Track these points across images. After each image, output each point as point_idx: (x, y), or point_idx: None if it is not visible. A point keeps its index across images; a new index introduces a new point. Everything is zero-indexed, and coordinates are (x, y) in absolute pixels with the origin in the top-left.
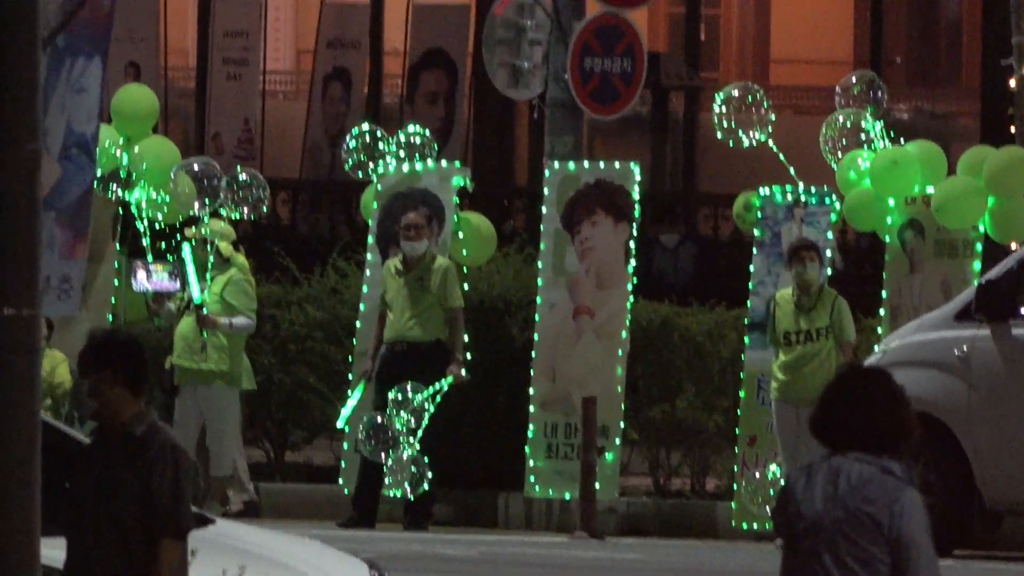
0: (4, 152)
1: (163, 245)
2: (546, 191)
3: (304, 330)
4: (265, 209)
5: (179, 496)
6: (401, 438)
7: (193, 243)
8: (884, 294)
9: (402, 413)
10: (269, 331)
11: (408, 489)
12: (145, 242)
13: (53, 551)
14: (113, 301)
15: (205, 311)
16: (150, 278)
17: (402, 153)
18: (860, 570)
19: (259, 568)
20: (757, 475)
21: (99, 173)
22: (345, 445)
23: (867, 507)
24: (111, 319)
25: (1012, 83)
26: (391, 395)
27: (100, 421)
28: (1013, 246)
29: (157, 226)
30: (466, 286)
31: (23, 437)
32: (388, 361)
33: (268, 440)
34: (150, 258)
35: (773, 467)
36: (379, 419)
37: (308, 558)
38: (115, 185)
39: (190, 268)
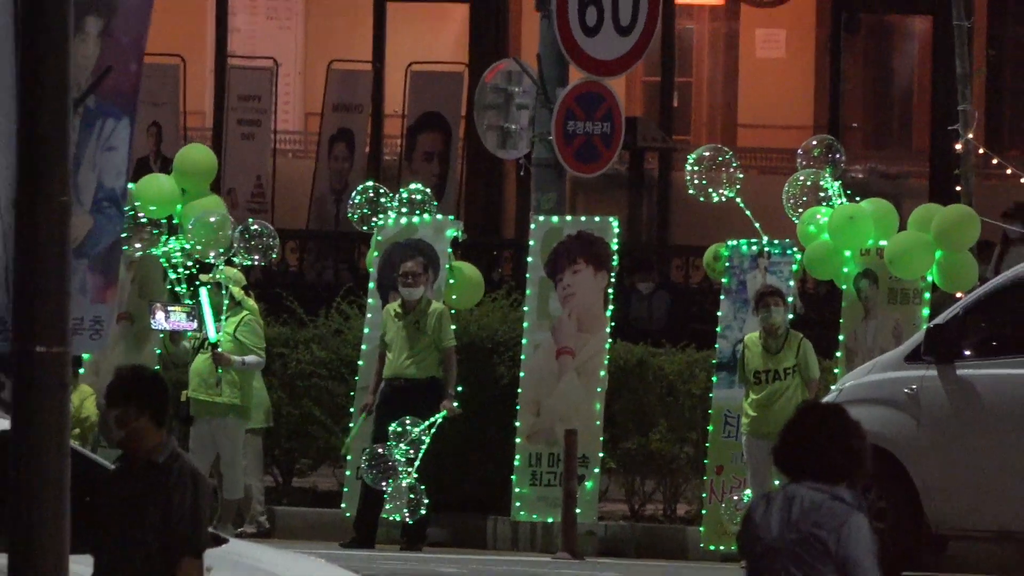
0: (37, 203)
1: (182, 288)
2: (531, 242)
3: (310, 368)
4: (275, 256)
5: (197, 518)
6: (400, 467)
7: (209, 287)
8: (841, 337)
9: (401, 444)
10: (278, 368)
11: (406, 513)
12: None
13: (81, 567)
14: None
15: (220, 349)
16: (168, 318)
17: (404, 208)
18: None
19: None
20: (735, 498)
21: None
22: (347, 472)
23: (816, 531)
24: (159, 352)
25: (958, 147)
26: (391, 428)
27: (125, 449)
28: (958, 295)
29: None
30: (457, 327)
31: (54, 463)
32: (387, 396)
33: (277, 467)
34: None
35: (747, 492)
36: (380, 450)
37: (311, 574)
38: (158, 231)
39: (207, 310)
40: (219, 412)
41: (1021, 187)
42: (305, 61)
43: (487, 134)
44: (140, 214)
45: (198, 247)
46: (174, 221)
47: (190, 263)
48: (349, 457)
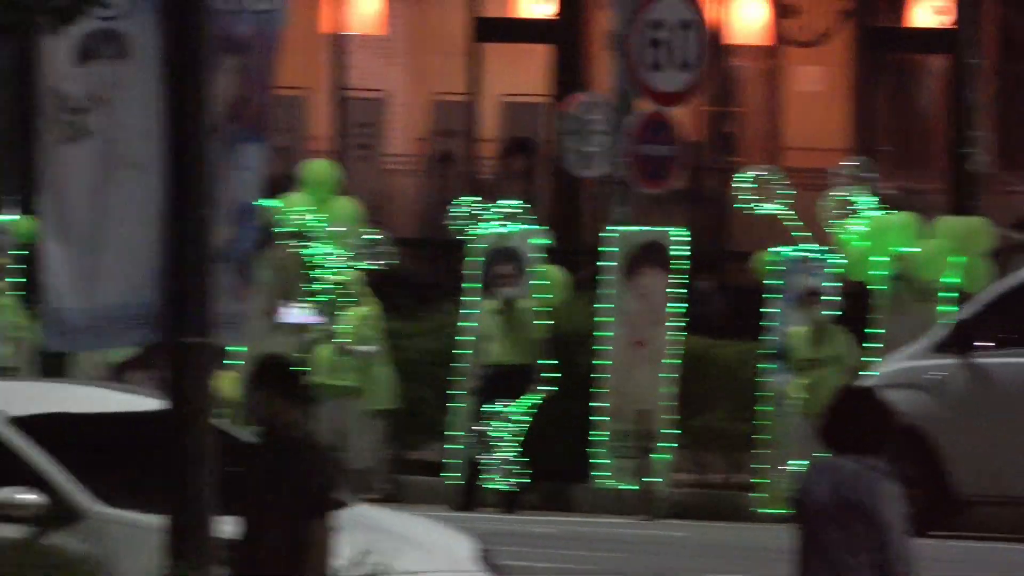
0: (182, 216)
1: (318, 286)
2: (609, 249)
3: (420, 356)
4: (391, 261)
5: (326, 485)
6: (498, 442)
7: (335, 287)
8: (875, 331)
9: (498, 422)
10: (392, 357)
11: (503, 482)
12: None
13: (230, 525)
14: None
15: (344, 340)
16: (297, 313)
17: (502, 219)
18: (850, 544)
19: (388, 541)
20: (786, 468)
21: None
22: (453, 446)
23: (855, 495)
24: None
25: (970, 168)
26: (491, 408)
27: (266, 426)
28: (976, 293)
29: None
30: (544, 322)
31: (200, 437)
32: (486, 380)
33: (394, 441)
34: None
35: (797, 463)
36: (480, 426)
37: (425, 533)
38: (297, 241)
39: (332, 302)
40: (341, 394)
41: None
42: (411, 93)
43: (569, 156)
44: (282, 222)
45: (339, 250)
46: (311, 228)
47: (326, 264)
48: (455, 432)
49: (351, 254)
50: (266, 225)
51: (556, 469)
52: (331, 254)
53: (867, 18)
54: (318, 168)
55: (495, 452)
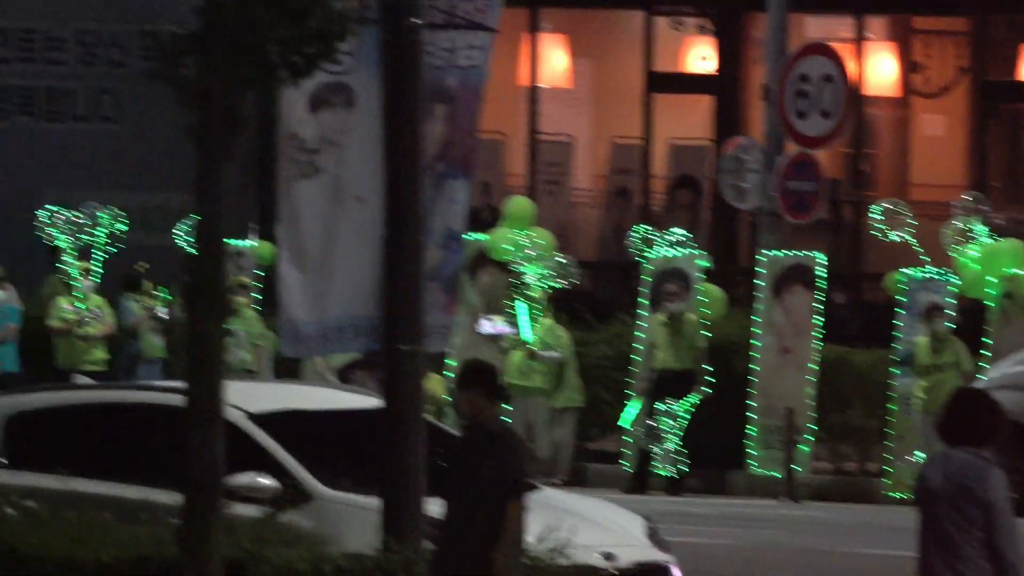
0: (400, 242)
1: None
2: (761, 271)
3: (599, 361)
4: (576, 281)
5: (520, 471)
6: (665, 435)
7: (528, 301)
8: (987, 341)
9: (666, 418)
10: (577, 362)
11: (669, 468)
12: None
13: (436, 506)
14: None
15: (532, 347)
16: (494, 325)
17: (670, 244)
18: (964, 524)
19: (570, 519)
20: (910, 459)
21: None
22: (627, 438)
23: (967, 481)
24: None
25: None
26: (660, 406)
27: (469, 421)
28: None
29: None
30: (706, 332)
31: (413, 429)
32: (655, 382)
33: (577, 433)
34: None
35: (919, 454)
36: (651, 422)
37: (602, 513)
38: (501, 264)
39: (524, 318)
40: (531, 394)
41: None
42: (594, 137)
43: (727, 191)
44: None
45: (547, 271)
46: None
47: (522, 284)
48: (629, 427)
49: (544, 275)
50: (474, 251)
51: (714, 458)
52: (528, 275)
53: (981, 74)
54: (520, 203)
55: (662, 444)
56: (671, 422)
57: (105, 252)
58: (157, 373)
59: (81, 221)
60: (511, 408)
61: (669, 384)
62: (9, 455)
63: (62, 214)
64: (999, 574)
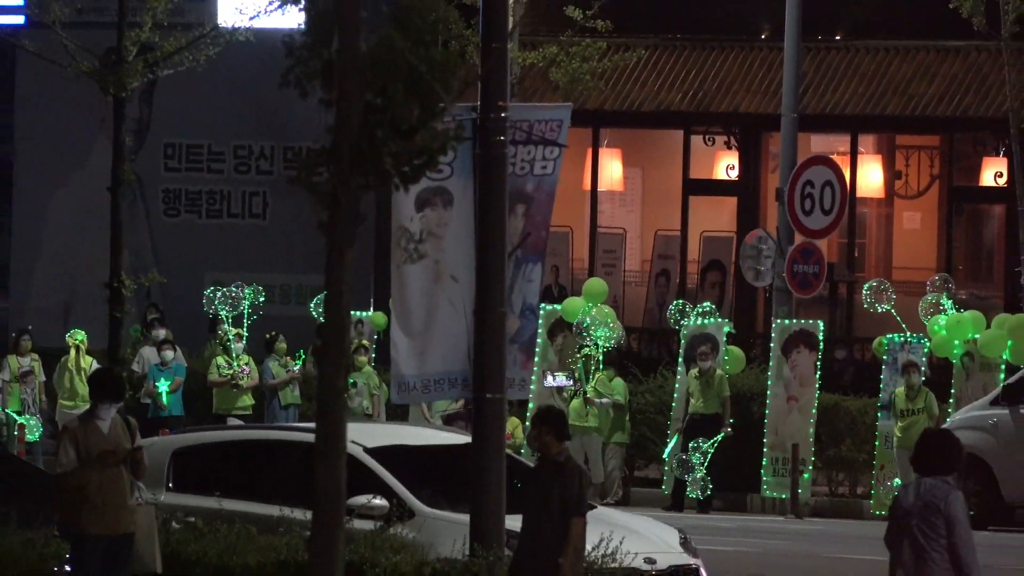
0: (487, 312)
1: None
2: (773, 335)
3: (644, 406)
4: (622, 342)
5: (581, 493)
6: (696, 465)
7: (582, 360)
8: (952, 391)
9: (697, 453)
10: (627, 407)
11: (700, 491)
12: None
13: (513, 521)
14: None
15: (590, 395)
16: (555, 379)
17: (701, 314)
18: (932, 534)
19: (620, 531)
20: (890, 484)
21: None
22: (666, 468)
23: (935, 501)
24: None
25: (1022, 279)
26: (691, 444)
27: (540, 453)
28: (1021, 366)
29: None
30: (730, 384)
31: (495, 461)
32: (689, 424)
33: (626, 464)
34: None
35: (897, 480)
36: (684, 455)
37: (645, 526)
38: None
39: (582, 374)
40: (587, 432)
41: None
42: (641, 230)
43: (747, 272)
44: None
45: (612, 335)
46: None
47: (584, 345)
48: (667, 458)
49: (606, 337)
50: (552, 318)
51: (735, 483)
52: (594, 336)
53: (949, 180)
54: (596, 283)
55: (693, 472)
56: (700, 456)
57: (250, 320)
58: (292, 416)
59: (235, 297)
60: (572, 444)
61: (700, 425)
62: (174, 481)
63: (219, 291)
64: (957, 571)
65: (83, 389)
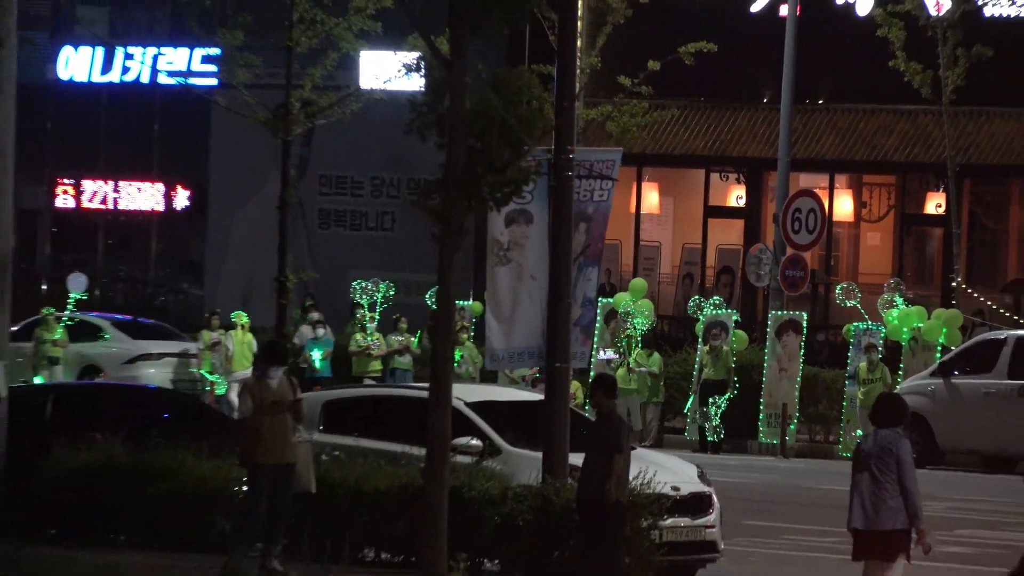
0: (557, 304)
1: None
2: (769, 322)
3: (673, 374)
4: (654, 326)
5: (623, 438)
6: (712, 417)
7: (625, 340)
8: (901, 366)
9: (712, 407)
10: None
11: (714, 437)
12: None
13: (576, 458)
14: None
15: (632, 366)
16: (606, 353)
17: (714, 306)
18: (886, 470)
19: (653, 467)
20: (854, 434)
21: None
22: (688, 420)
23: (888, 445)
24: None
25: (953, 284)
26: (710, 400)
27: (598, 409)
28: (953, 348)
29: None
30: (735, 359)
31: (562, 415)
32: (703, 388)
33: (660, 417)
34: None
35: (859, 431)
36: (704, 410)
37: (671, 463)
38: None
39: (625, 350)
40: (629, 394)
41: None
42: (672, 243)
43: (750, 276)
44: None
45: (647, 322)
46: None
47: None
48: (687, 412)
49: (643, 323)
50: (606, 309)
51: (739, 432)
52: (635, 322)
53: (902, 209)
54: (639, 283)
55: (709, 422)
56: (715, 410)
57: (381, 306)
58: (409, 379)
59: (370, 289)
60: (619, 402)
61: (712, 388)
62: (324, 425)
63: (360, 285)
64: (904, 498)
65: (244, 356)
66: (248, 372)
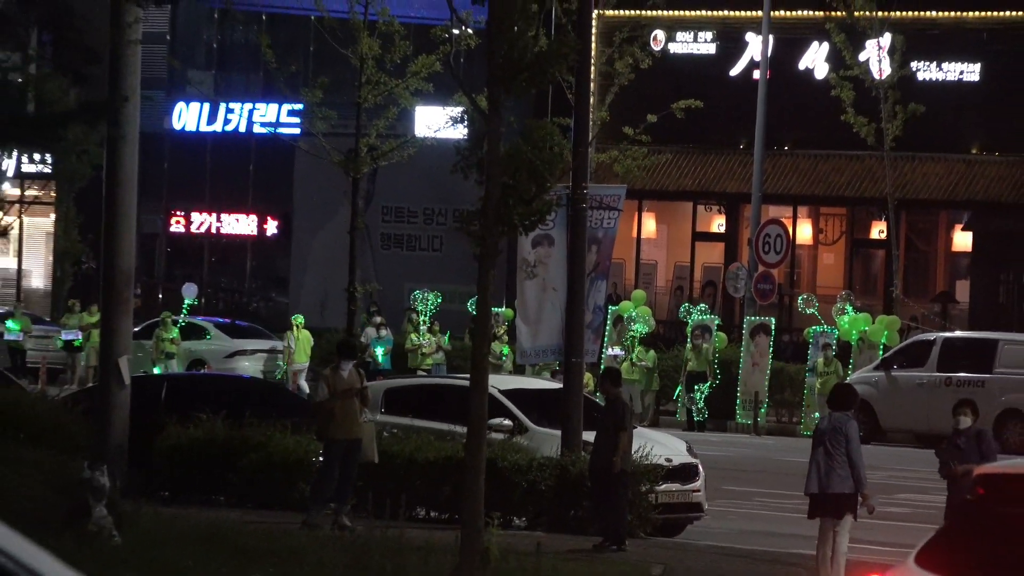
0: (574, 311)
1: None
2: (744, 326)
3: (667, 367)
4: (653, 329)
5: (627, 418)
6: (696, 402)
7: (628, 340)
8: (851, 362)
9: (697, 394)
10: (657, 368)
11: (699, 417)
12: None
13: (588, 435)
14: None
15: (633, 361)
16: (613, 350)
17: (700, 312)
18: (837, 446)
19: (650, 442)
20: (813, 416)
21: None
22: (678, 405)
23: (840, 425)
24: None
25: (893, 296)
26: (695, 387)
27: (606, 395)
28: (892, 347)
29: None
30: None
31: (578, 400)
32: (688, 378)
33: (655, 401)
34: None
35: (816, 415)
36: (691, 395)
37: (665, 439)
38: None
39: (628, 348)
40: (631, 383)
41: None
42: (666, 262)
43: (729, 288)
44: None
45: (645, 326)
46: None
47: (632, 329)
48: (676, 398)
49: (643, 326)
50: (614, 315)
51: (719, 413)
52: (636, 326)
53: (852, 235)
54: (639, 294)
55: (695, 406)
56: (699, 395)
57: (430, 312)
58: (443, 371)
59: (423, 298)
60: (623, 389)
61: (696, 378)
62: (386, 408)
63: (416, 295)
64: (851, 468)
65: (302, 351)
66: (306, 364)
